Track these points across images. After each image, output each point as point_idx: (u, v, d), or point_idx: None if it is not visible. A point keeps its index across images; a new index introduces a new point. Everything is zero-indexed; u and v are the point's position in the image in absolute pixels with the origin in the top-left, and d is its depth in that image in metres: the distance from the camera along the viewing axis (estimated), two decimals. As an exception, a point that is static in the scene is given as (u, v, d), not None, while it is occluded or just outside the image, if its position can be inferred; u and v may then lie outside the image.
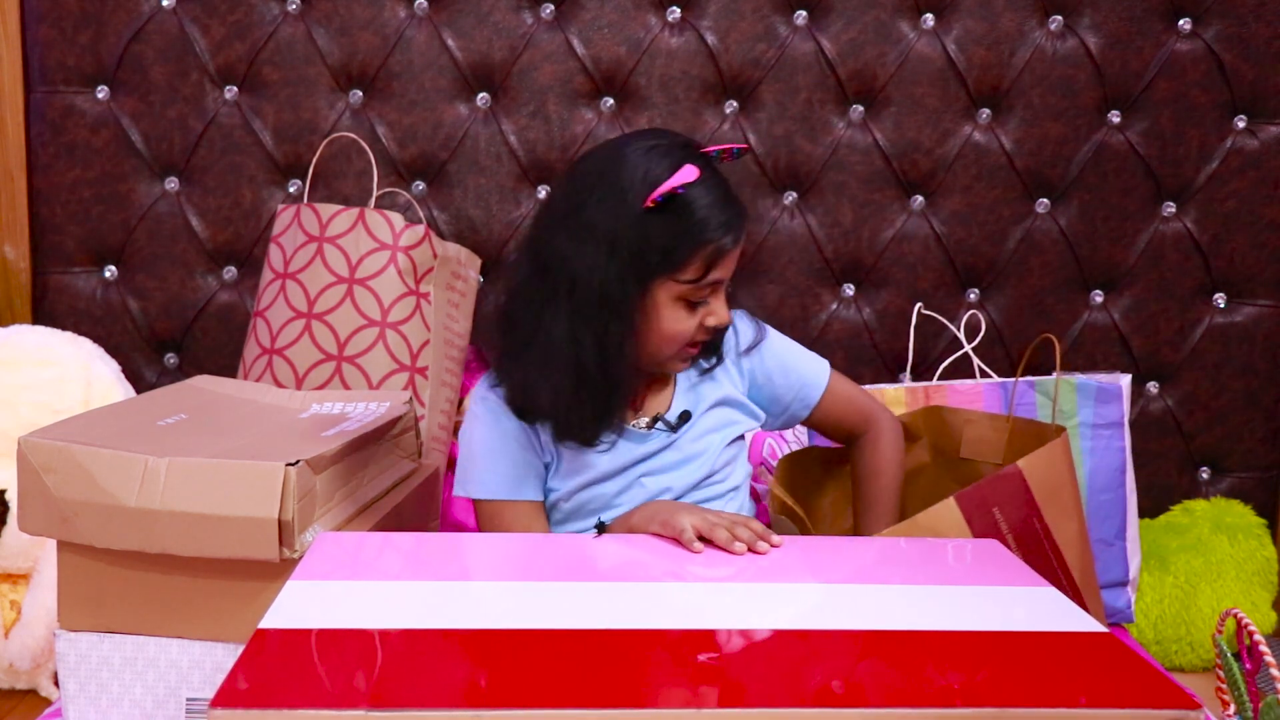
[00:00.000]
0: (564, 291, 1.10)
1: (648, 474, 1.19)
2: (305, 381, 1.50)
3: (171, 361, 1.80)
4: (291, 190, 1.77)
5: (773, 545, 1.00)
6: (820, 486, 1.44)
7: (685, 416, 1.21)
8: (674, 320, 1.13)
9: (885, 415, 1.33)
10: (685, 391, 1.23)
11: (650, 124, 1.76)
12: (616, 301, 1.09)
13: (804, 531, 1.32)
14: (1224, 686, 0.99)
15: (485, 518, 1.20)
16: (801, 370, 1.28)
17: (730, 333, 1.25)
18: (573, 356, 1.10)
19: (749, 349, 1.26)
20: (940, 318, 1.77)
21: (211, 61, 1.74)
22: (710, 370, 1.24)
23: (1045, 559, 1.20)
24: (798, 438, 1.66)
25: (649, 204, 1.07)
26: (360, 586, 0.85)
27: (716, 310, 1.15)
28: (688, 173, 1.07)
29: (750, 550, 0.99)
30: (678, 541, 1.02)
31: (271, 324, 1.54)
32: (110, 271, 1.78)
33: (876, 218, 1.79)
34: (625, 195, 1.08)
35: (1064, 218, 1.79)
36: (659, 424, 1.20)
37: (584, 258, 1.09)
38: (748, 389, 1.26)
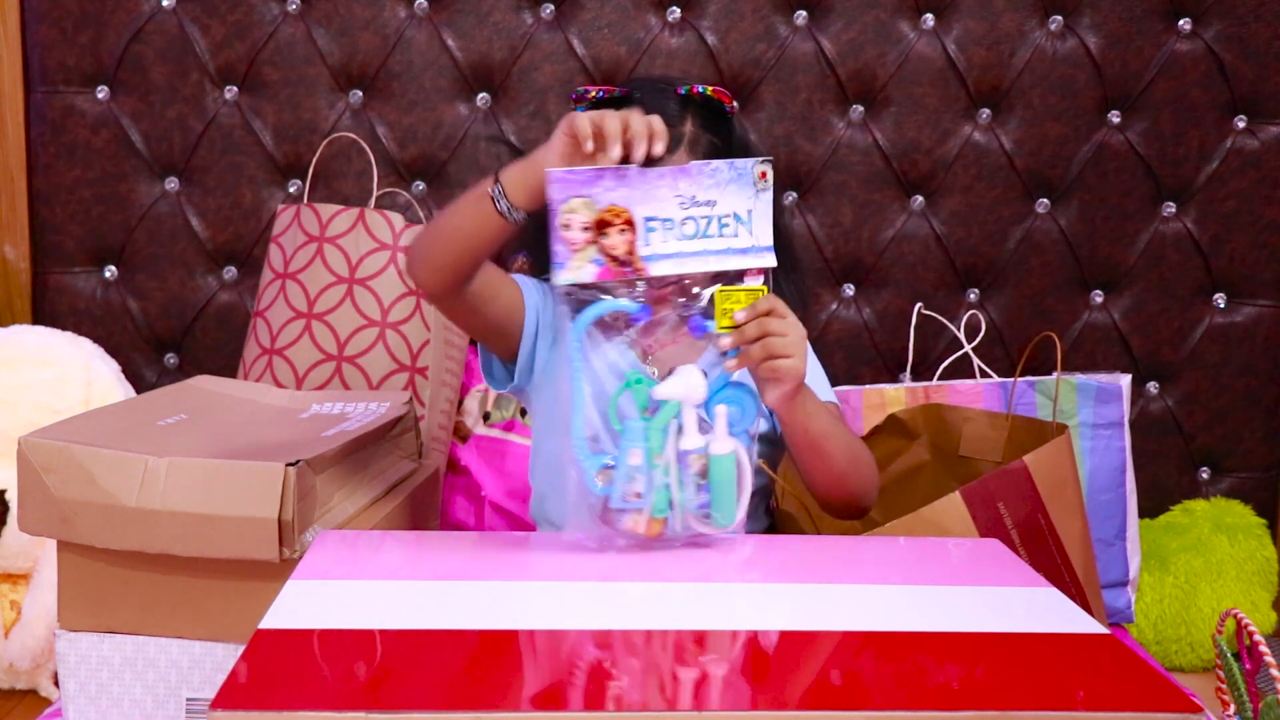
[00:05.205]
0: None
1: None
2: (305, 381, 1.50)
3: (171, 361, 1.80)
4: (291, 190, 1.77)
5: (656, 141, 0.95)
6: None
7: None
8: None
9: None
10: (711, 364, 1.21)
11: (650, 124, 1.76)
12: None
13: (807, 523, 1.32)
14: (1224, 686, 0.99)
15: None
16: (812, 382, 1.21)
17: None
18: None
19: None
20: (940, 318, 1.77)
21: (211, 61, 1.74)
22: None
23: (1049, 555, 1.21)
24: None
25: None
26: (360, 586, 0.85)
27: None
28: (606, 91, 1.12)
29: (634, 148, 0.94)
30: (678, 539, 1.02)
31: (271, 324, 1.54)
32: (110, 271, 1.78)
33: (876, 218, 1.79)
34: None
35: (1064, 218, 1.79)
36: None
37: None
38: None
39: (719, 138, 1.16)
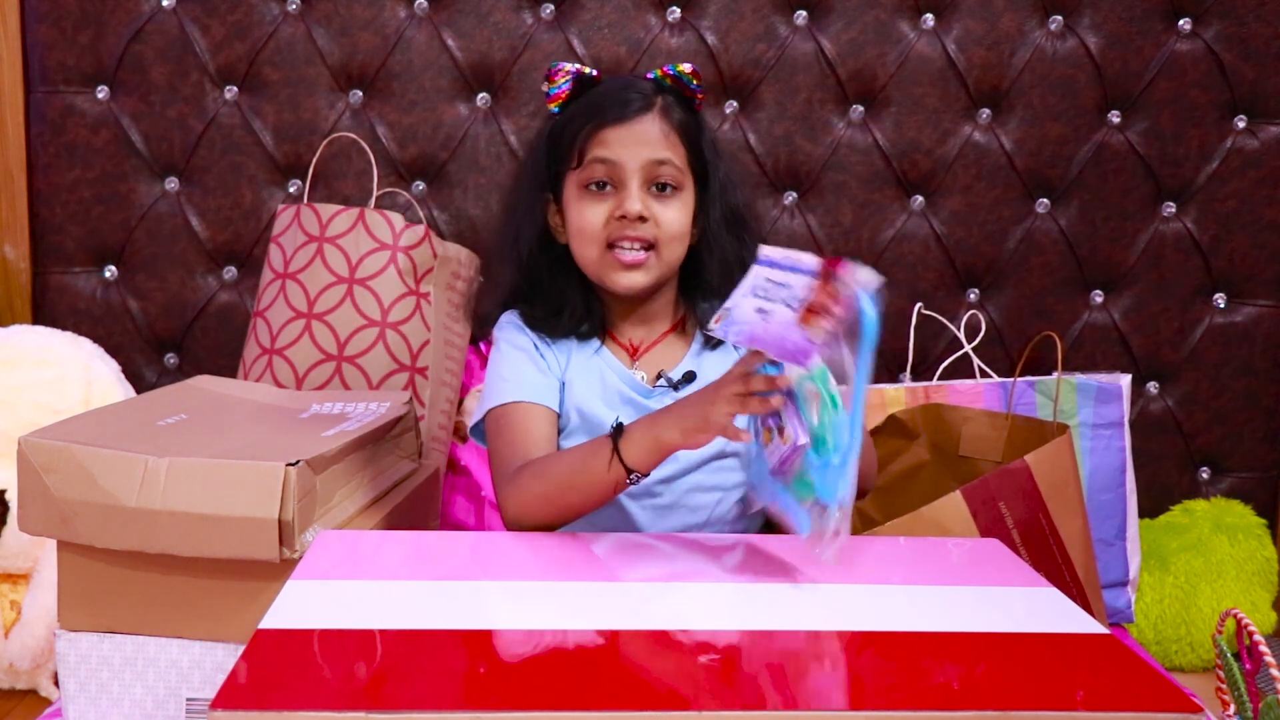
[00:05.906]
0: (518, 200, 1.25)
1: None
2: (305, 381, 1.50)
3: (171, 361, 1.80)
4: (291, 190, 1.77)
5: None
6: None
7: (689, 377, 1.19)
8: (580, 212, 1.17)
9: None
10: (696, 355, 1.22)
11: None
12: (535, 200, 1.21)
13: None
14: (1224, 686, 0.99)
15: (493, 426, 1.17)
16: None
17: None
18: (522, 252, 1.22)
19: None
20: (940, 318, 1.77)
21: (211, 61, 1.74)
22: (722, 343, 1.21)
23: (1050, 555, 1.21)
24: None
25: (550, 103, 1.21)
26: (360, 586, 0.85)
27: (623, 199, 1.14)
28: (576, 70, 1.19)
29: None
30: (678, 539, 1.02)
31: (271, 324, 1.54)
32: (110, 271, 1.78)
33: (876, 218, 1.79)
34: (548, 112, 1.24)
35: (1064, 218, 1.79)
36: (661, 380, 1.20)
37: (525, 167, 1.26)
38: None
39: (690, 117, 1.19)
